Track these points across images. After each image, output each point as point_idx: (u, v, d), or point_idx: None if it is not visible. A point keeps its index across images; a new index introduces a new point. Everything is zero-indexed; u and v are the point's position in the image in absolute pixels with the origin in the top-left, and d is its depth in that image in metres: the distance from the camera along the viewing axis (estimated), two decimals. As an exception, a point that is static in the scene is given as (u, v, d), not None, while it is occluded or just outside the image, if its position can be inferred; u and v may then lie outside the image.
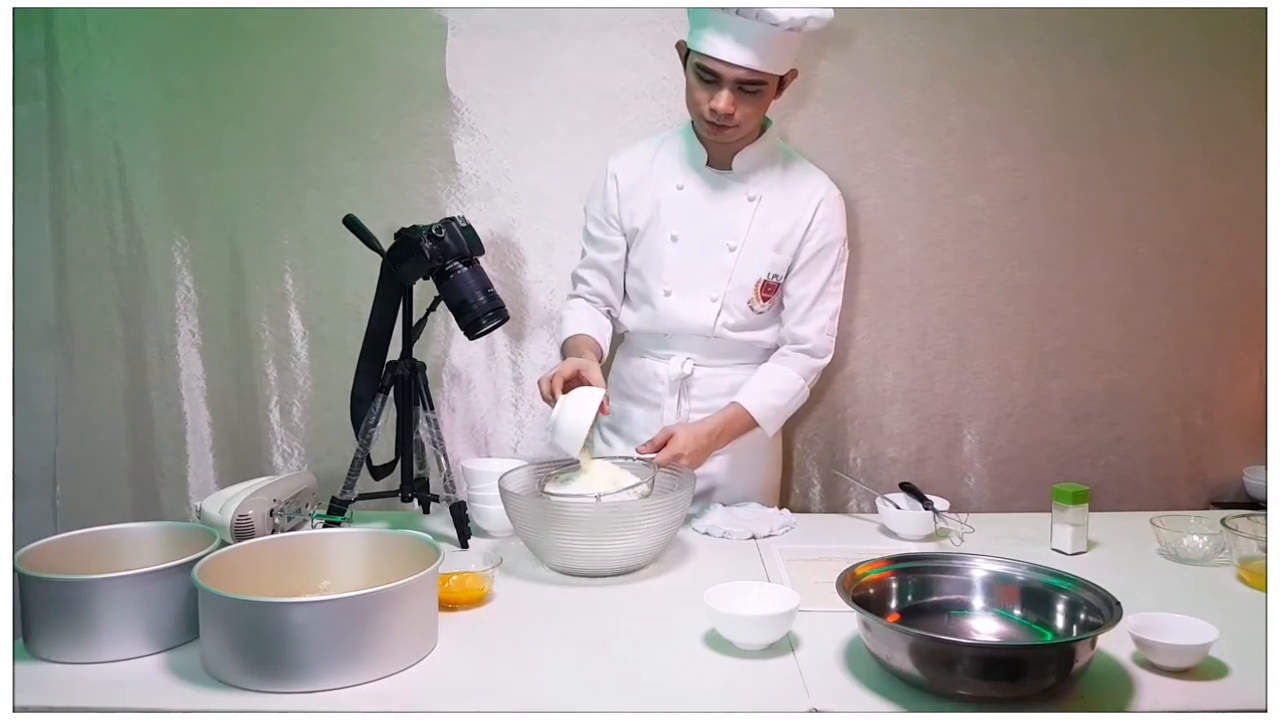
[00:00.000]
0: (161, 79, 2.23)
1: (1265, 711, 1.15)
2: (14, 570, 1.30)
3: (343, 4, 2.17)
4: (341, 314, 2.23)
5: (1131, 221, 2.30)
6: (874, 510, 1.91)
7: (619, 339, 2.08)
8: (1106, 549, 1.75)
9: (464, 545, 1.72)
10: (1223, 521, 1.65)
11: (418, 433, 1.82)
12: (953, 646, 1.20)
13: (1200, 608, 1.32)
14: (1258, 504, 2.25)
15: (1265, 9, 1.68)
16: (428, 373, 1.81)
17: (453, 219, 1.73)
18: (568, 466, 1.75)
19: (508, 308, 1.76)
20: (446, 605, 1.40)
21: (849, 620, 1.29)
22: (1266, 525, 1.61)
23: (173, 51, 2.22)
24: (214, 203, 2.27)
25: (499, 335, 2.26)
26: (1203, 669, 1.24)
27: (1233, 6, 2.14)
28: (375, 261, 1.77)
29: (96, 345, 2.29)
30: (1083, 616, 1.25)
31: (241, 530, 1.55)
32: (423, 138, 2.23)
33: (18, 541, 1.36)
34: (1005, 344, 2.32)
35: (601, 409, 1.70)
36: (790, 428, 2.24)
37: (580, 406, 1.68)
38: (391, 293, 1.79)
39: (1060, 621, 1.29)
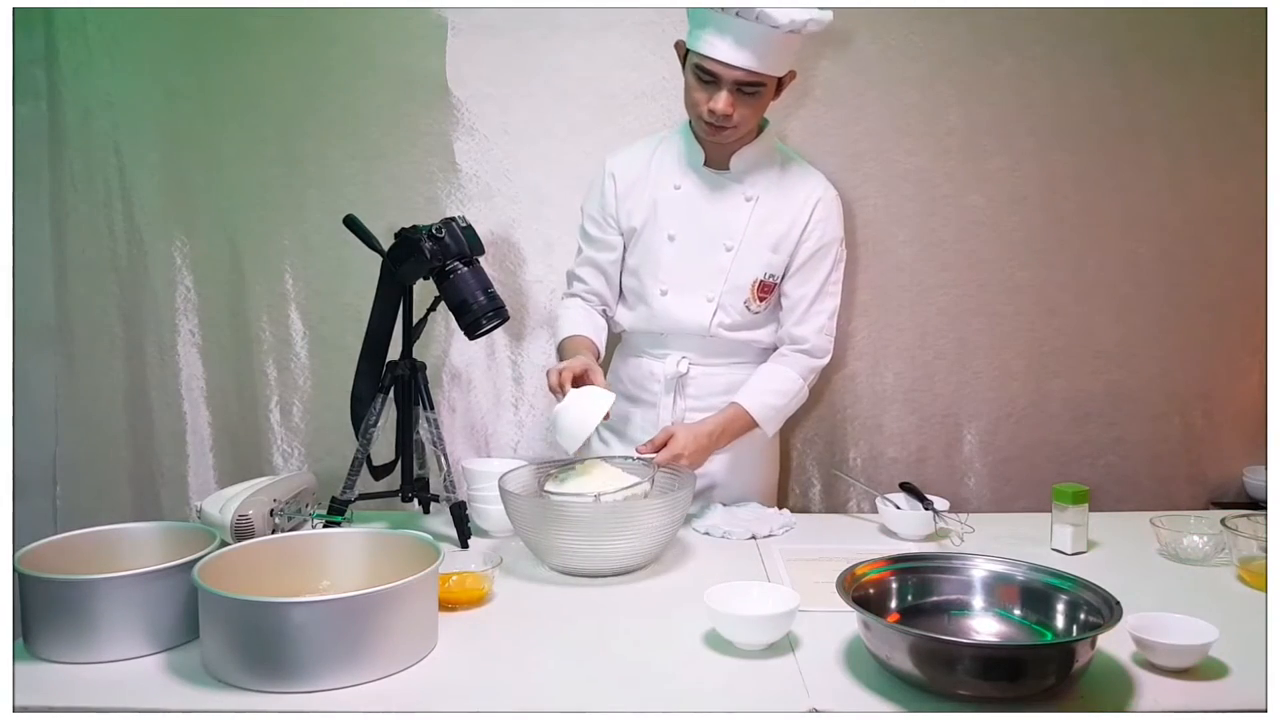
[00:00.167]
0: (161, 79, 2.23)
1: (1265, 711, 1.15)
2: (14, 570, 1.30)
3: (343, 4, 2.17)
4: (341, 314, 2.23)
5: (1131, 221, 2.30)
6: (874, 510, 1.91)
7: (615, 339, 2.08)
8: (1106, 549, 1.75)
9: (464, 545, 1.72)
10: (1223, 521, 1.65)
11: (418, 433, 1.82)
12: (953, 646, 1.20)
13: (1200, 608, 1.32)
14: (1258, 504, 2.25)
15: (1265, 9, 1.68)
16: (428, 373, 1.81)
17: (453, 219, 1.73)
18: (567, 466, 1.75)
19: (508, 308, 1.76)
20: (446, 605, 1.40)
21: (849, 620, 1.29)
22: (1266, 525, 1.61)
23: (173, 51, 2.22)
24: (214, 203, 2.27)
25: (499, 335, 2.26)
26: (1203, 669, 1.24)
27: (1233, 6, 2.14)
28: (375, 261, 1.77)
29: (96, 345, 2.29)
30: (1083, 616, 1.25)
31: (241, 530, 1.55)
32: (423, 138, 2.23)
33: (18, 541, 1.36)
34: (1005, 344, 2.32)
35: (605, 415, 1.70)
36: (790, 428, 2.25)
37: (587, 407, 1.68)
38: (391, 293, 1.79)
39: (1060, 621, 1.29)
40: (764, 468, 2.09)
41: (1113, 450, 2.36)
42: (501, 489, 1.65)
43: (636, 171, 1.96)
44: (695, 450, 1.82)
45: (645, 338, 2.00)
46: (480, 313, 1.72)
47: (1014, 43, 2.23)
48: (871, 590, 1.32)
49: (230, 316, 2.30)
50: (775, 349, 1.99)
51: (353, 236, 1.77)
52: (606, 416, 1.71)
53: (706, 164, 1.93)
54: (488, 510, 1.78)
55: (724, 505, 1.94)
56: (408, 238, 1.72)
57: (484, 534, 1.80)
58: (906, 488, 1.90)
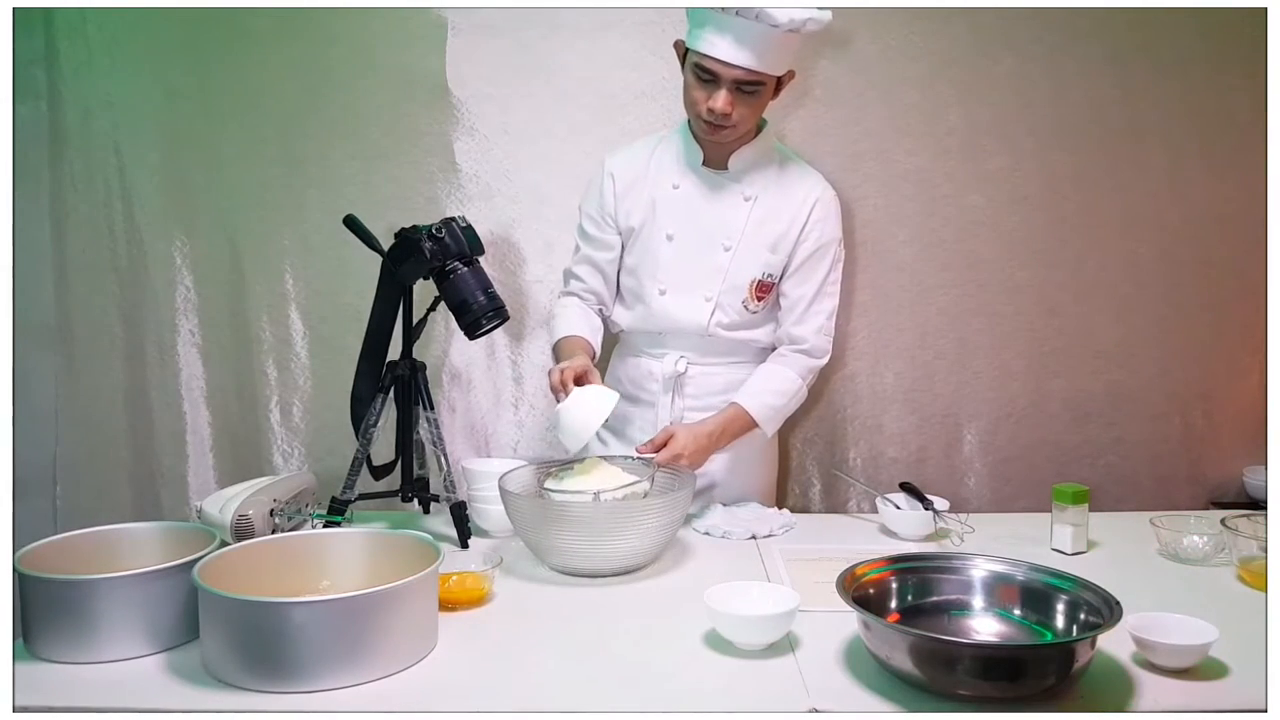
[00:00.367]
0: (161, 79, 2.23)
1: (1265, 711, 1.15)
2: (14, 570, 1.30)
3: (343, 4, 2.17)
4: (341, 314, 2.23)
5: (1131, 221, 2.30)
6: (874, 510, 1.91)
7: (611, 338, 2.08)
8: (1106, 549, 1.75)
9: (464, 545, 1.72)
10: (1223, 521, 1.65)
11: (418, 433, 1.82)
12: (953, 646, 1.20)
13: (1200, 608, 1.32)
14: (1258, 504, 2.25)
15: (1265, 9, 1.68)
16: (428, 373, 1.81)
17: (453, 219, 1.73)
18: (567, 465, 1.75)
19: (508, 308, 1.76)
20: (446, 605, 1.40)
21: (849, 620, 1.29)
22: (1266, 525, 1.61)
23: (173, 51, 2.22)
24: (214, 203, 2.27)
25: (499, 335, 2.26)
26: (1203, 669, 1.24)
27: (1233, 6, 2.14)
28: (375, 261, 1.77)
29: (96, 345, 2.29)
30: (1083, 616, 1.25)
31: (241, 530, 1.55)
32: (423, 138, 2.24)
33: (18, 541, 1.36)
34: (1005, 344, 2.32)
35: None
36: (790, 428, 2.25)
37: (592, 406, 1.68)
38: (391, 293, 1.79)
39: (1060, 621, 1.29)
40: (764, 468, 2.09)
41: (1113, 450, 2.36)
42: (501, 489, 1.65)
43: (635, 171, 1.96)
44: (695, 450, 1.82)
45: (643, 337, 2.01)
46: (480, 313, 1.72)
47: (1014, 43, 2.23)
48: (871, 590, 1.32)
49: (230, 316, 2.30)
50: (774, 349, 1.99)
51: (353, 236, 1.77)
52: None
53: (705, 164, 1.93)
54: (488, 510, 1.78)
55: (724, 505, 1.94)
56: (408, 238, 1.72)
57: (484, 534, 1.80)
58: (906, 488, 1.90)
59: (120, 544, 1.46)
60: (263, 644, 1.18)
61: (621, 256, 2.00)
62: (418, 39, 2.20)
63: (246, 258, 2.28)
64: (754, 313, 1.95)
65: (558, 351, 1.93)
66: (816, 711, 1.16)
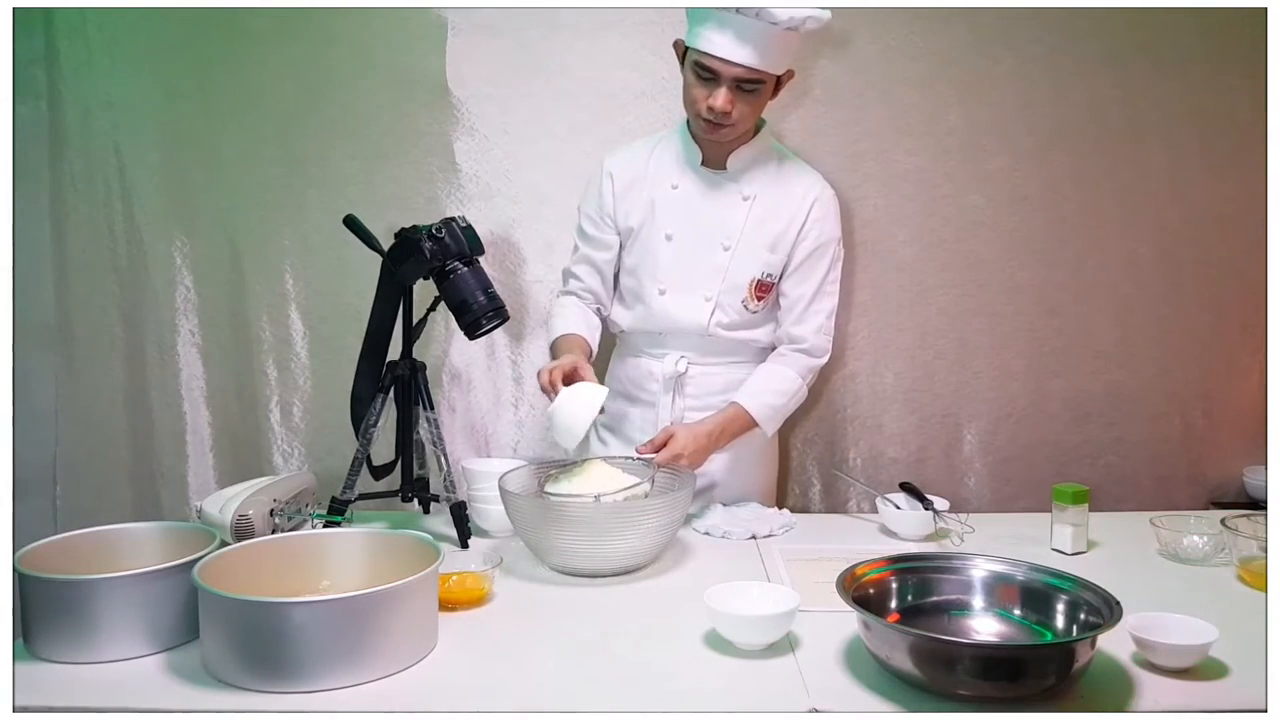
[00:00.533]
0: (161, 79, 2.23)
1: (1265, 711, 1.15)
2: (14, 570, 1.30)
3: (343, 4, 2.17)
4: (341, 314, 2.23)
5: (1131, 221, 2.30)
6: (874, 510, 1.91)
7: (610, 338, 2.08)
8: (1106, 549, 1.75)
9: (464, 545, 1.72)
10: (1223, 521, 1.65)
11: (418, 433, 1.82)
12: (953, 646, 1.20)
13: (1200, 608, 1.32)
14: (1258, 504, 2.25)
15: (1265, 9, 1.68)
16: (428, 373, 1.81)
17: (453, 219, 1.73)
18: (567, 466, 1.75)
19: (508, 308, 1.76)
20: (446, 605, 1.40)
21: (849, 620, 1.29)
22: (1266, 525, 1.61)
23: (173, 51, 2.22)
24: (214, 203, 2.27)
25: (499, 335, 2.27)
26: (1203, 669, 1.24)
27: (1233, 6, 2.14)
28: (375, 261, 1.77)
29: (96, 345, 2.29)
30: (1083, 616, 1.25)
31: (241, 530, 1.55)
32: (423, 138, 2.24)
33: (18, 541, 1.36)
34: (1005, 344, 2.32)
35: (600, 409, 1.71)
36: (790, 428, 2.25)
37: (581, 402, 1.68)
38: (391, 293, 1.79)
39: (1060, 621, 1.29)
40: (764, 468, 2.09)
41: (1113, 450, 2.36)
42: (501, 489, 1.65)
43: (634, 171, 1.96)
44: (695, 450, 1.82)
45: (643, 337, 2.01)
46: (480, 313, 1.72)
47: (1014, 43, 2.23)
48: (871, 590, 1.32)
49: (230, 316, 2.30)
50: (774, 348, 1.99)
51: (353, 236, 1.77)
52: (601, 410, 1.71)
53: (704, 163, 1.93)
54: (488, 510, 1.78)
55: (724, 505, 1.94)
56: (408, 238, 1.72)
57: (484, 534, 1.80)
58: (906, 488, 1.90)
59: (120, 544, 1.45)
60: (263, 644, 1.18)
61: (620, 257, 2.00)
62: (418, 39, 2.20)
63: (246, 258, 2.28)
64: (754, 312, 1.95)
65: (554, 350, 1.93)
66: (816, 711, 1.16)
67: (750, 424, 1.91)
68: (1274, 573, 1.41)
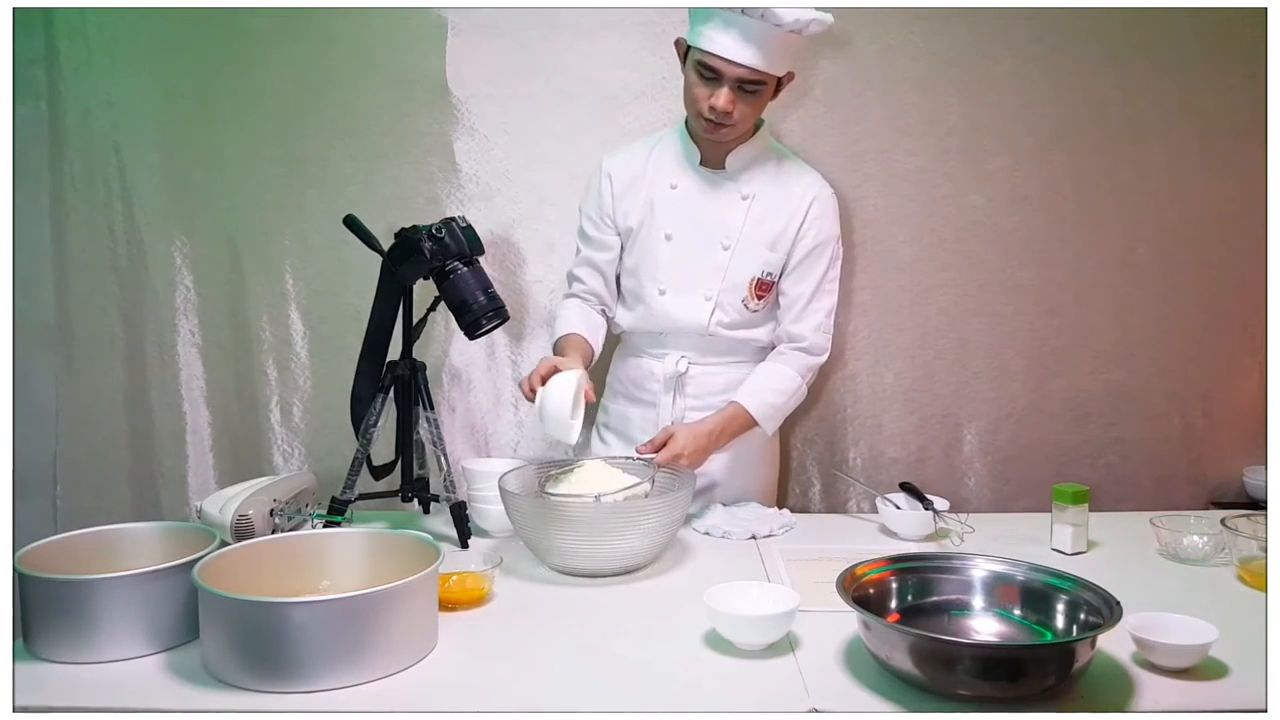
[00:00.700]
0: (161, 79, 2.23)
1: (1265, 711, 1.15)
2: (14, 570, 1.30)
3: (343, 4, 2.17)
4: (341, 314, 2.23)
5: (1131, 221, 2.30)
6: (874, 510, 1.91)
7: (614, 339, 2.08)
8: (1106, 549, 1.75)
9: (464, 545, 1.72)
10: (1223, 521, 1.65)
11: (418, 433, 1.82)
12: (953, 646, 1.20)
13: (1200, 608, 1.32)
14: (1258, 504, 2.25)
15: (1265, 9, 1.68)
16: (428, 373, 1.81)
17: (453, 219, 1.73)
18: (568, 466, 1.75)
19: (508, 308, 1.76)
20: (446, 605, 1.40)
21: (849, 620, 1.29)
22: (1266, 525, 1.61)
23: (173, 51, 2.22)
24: (214, 203, 2.27)
25: (499, 335, 2.26)
26: (1203, 669, 1.24)
27: (1233, 6, 2.14)
28: (375, 261, 1.77)
29: (96, 345, 2.29)
30: (1083, 616, 1.25)
31: (241, 530, 1.55)
32: (423, 138, 2.23)
33: (18, 541, 1.36)
34: (1005, 344, 2.32)
35: (586, 397, 1.71)
36: (790, 428, 2.25)
37: (560, 387, 1.68)
38: (392, 293, 1.79)
39: (1060, 621, 1.29)
40: (764, 468, 2.09)
41: (1113, 450, 2.36)
42: (501, 489, 1.65)
43: (633, 171, 1.97)
44: (695, 450, 1.82)
45: (644, 337, 2.01)
46: (480, 313, 1.72)
47: (1014, 43, 2.23)
48: (871, 590, 1.32)
49: (230, 316, 2.30)
50: (774, 348, 1.99)
51: (353, 236, 1.77)
52: (588, 398, 1.72)
53: (702, 163, 1.94)
54: (488, 510, 1.78)
55: (724, 505, 1.94)
56: (408, 238, 1.72)
57: (484, 534, 1.80)
58: (906, 488, 1.90)
59: (120, 544, 1.45)
60: (263, 644, 1.18)
61: (621, 257, 2.00)
62: (418, 39, 2.20)
63: (246, 258, 2.28)
64: (754, 311, 1.95)
65: (555, 351, 1.93)
66: (816, 711, 1.16)
67: (750, 423, 1.91)
68: (1274, 573, 1.41)
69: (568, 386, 1.69)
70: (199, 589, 1.23)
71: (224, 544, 1.43)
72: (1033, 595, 1.32)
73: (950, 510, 1.83)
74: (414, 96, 2.22)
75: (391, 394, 1.78)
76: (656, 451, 1.79)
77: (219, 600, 1.21)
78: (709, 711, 1.18)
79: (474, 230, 1.75)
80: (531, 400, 1.74)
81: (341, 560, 1.44)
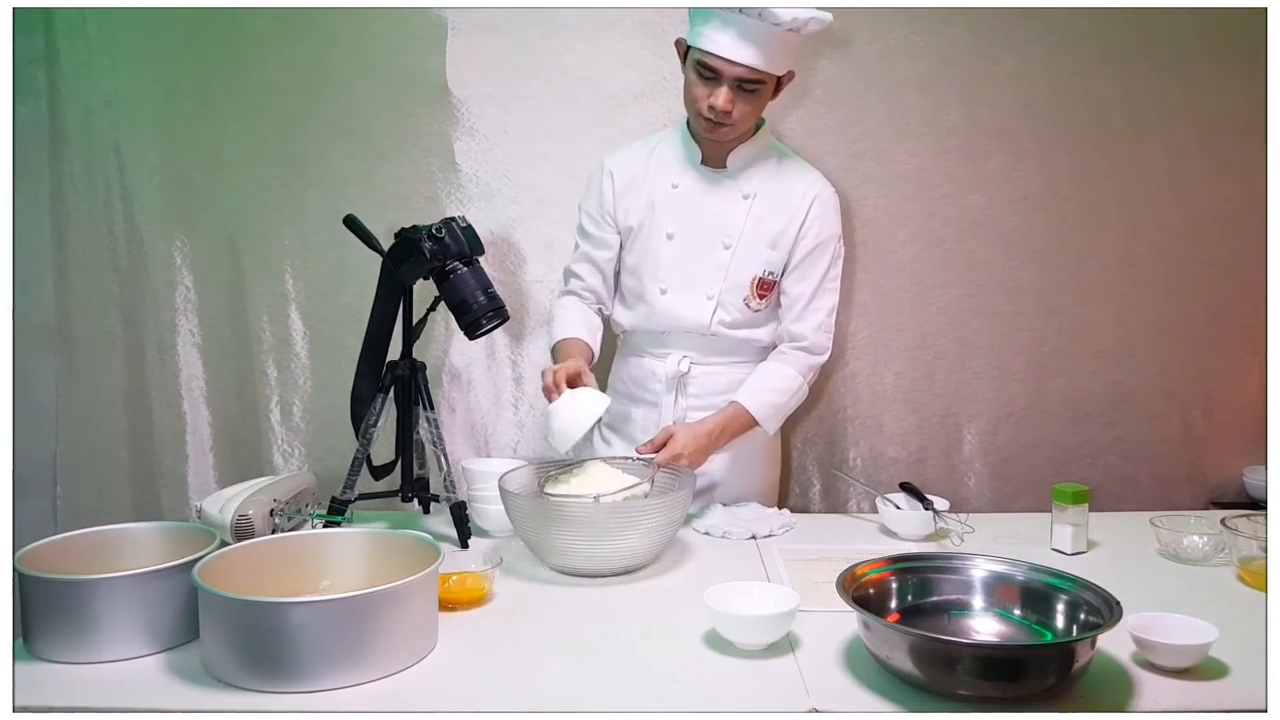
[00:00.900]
0: (161, 79, 2.23)
1: (1265, 711, 1.15)
2: (14, 570, 1.30)
3: (343, 4, 2.17)
4: (341, 314, 2.23)
5: (1131, 221, 2.30)
6: (874, 510, 1.91)
7: (611, 338, 2.08)
8: (1106, 549, 1.75)
9: (464, 545, 1.72)
10: (1223, 521, 1.65)
11: (418, 433, 1.82)
12: (953, 646, 1.20)
13: (1200, 608, 1.32)
14: (1258, 504, 2.25)
15: (1265, 9, 1.68)
16: (428, 373, 1.81)
17: (453, 219, 1.73)
18: (568, 467, 1.75)
19: (508, 308, 1.76)
20: (446, 605, 1.40)
21: (849, 620, 1.29)
22: (1266, 525, 1.61)
23: (173, 51, 2.22)
24: (214, 203, 2.27)
25: (499, 335, 2.26)
26: (1203, 669, 1.24)
27: (1233, 6, 2.14)
28: (375, 261, 1.77)
29: (96, 345, 2.29)
30: (1083, 616, 1.25)
31: (241, 530, 1.55)
32: (423, 138, 2.24)
33: (18, 541, 1.36)
34: (1005, 344, 2.32)
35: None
36: (790, 428, 2.25)
37: (582, 409, 1.68)
38: (392, 293, 1.79)
39: (1060, 621, 1.29)
40: (765, 468, 2.08)
41: (1113, 450, 2.36)
42: (501, 489, 1.65)
43: (634, 170, 1.97)
44: (695, 450, 1.82)
45: (646, 337, 2.01)
46: (480, 313, 1.72)
47: (1014, 43, 2.23)
48: (871, 590, 1.32)
49: (230, 316, 2.30)
50: (775, 347, 1.99)
51: (353, 236, 1.77)
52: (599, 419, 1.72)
53: (704, 162, 1.94)
54: (488, 510, 1.78)
55: (724, 505, 1.94)
56: (408, 238, 1.72)
57: (484, 534, 1.80)
58: (906, 488, 1.90)
59: (120, 544, 1.45)
60: (263, 644, 1.18)
61: (621, 256, 2.00)
62: (418, 39, 2.20)
63: (246, 258, 2.28)
64: (756, 311, 1.95)
65: (556, 354, 1.93)
66: (816, 711, 1.16)
67: (751, 423, 1.91)
68: (1274, 573, 1.41)
69: (592, 412, 1.69)
70: (199, 589, 1.23)
71: (224, 544, 1.43)
72: (1033, 595, 1.32)
73: (950, 510, 1.83)
74: (414, 96, 2.22)
75: (391, 394, 1.78)
76: (656, 451, 1.79)
77: (219, 600, 1.21)
78: (709, 711, 1.18)
79: (474, 230, 1.75)
80: (550, 394, 1.73)
81: (341, 560, 1.44)
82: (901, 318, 2.31)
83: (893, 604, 1.34)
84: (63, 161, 2.24)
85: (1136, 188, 2.29)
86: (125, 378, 2.30)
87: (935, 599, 1.36)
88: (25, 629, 1.29)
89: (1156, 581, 1.60)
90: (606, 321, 2.04)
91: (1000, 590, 1.35)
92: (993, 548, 1.53)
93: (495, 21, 2.20)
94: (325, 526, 1.70)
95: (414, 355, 1.80)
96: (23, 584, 1.29)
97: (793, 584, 1.51)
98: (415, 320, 1.80)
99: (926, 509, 1.82)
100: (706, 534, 1.83)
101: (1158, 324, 2.33)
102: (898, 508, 1.84)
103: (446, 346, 2.30)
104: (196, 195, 2.27)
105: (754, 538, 1.81)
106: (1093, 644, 1.17)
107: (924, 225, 2.28)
